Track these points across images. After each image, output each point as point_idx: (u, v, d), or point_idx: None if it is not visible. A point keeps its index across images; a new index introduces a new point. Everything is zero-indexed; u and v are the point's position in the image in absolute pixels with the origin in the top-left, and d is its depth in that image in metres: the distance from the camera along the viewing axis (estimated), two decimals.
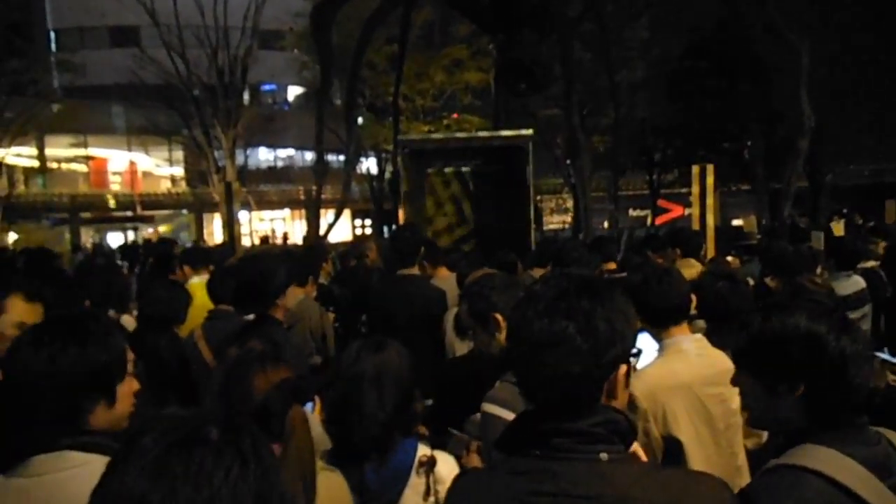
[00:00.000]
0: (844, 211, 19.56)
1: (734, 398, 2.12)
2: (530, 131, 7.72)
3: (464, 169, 7.26)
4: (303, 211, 30.97)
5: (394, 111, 12.46)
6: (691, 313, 2.28)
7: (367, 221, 25.57)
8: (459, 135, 12.59)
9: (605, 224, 20.26)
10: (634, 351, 1.10)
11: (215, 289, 3.28)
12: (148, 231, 28.20)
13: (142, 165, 31.02)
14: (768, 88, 16.85)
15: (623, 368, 1.06)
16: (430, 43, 19.63)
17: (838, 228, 9.14)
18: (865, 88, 17.45)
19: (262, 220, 31.13)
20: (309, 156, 30.10)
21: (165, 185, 31.16)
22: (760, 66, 16.61)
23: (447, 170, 7.27)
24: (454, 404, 2.08)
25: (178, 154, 29.84)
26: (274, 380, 1.42)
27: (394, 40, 13.89)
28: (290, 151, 33.77)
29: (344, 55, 13.62)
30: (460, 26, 18.86)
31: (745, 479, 2.01)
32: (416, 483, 1.59)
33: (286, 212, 32.27)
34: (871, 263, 4.18)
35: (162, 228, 28.70)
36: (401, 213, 7.85)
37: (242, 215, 21.11)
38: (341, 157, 16.08)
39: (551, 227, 24.94)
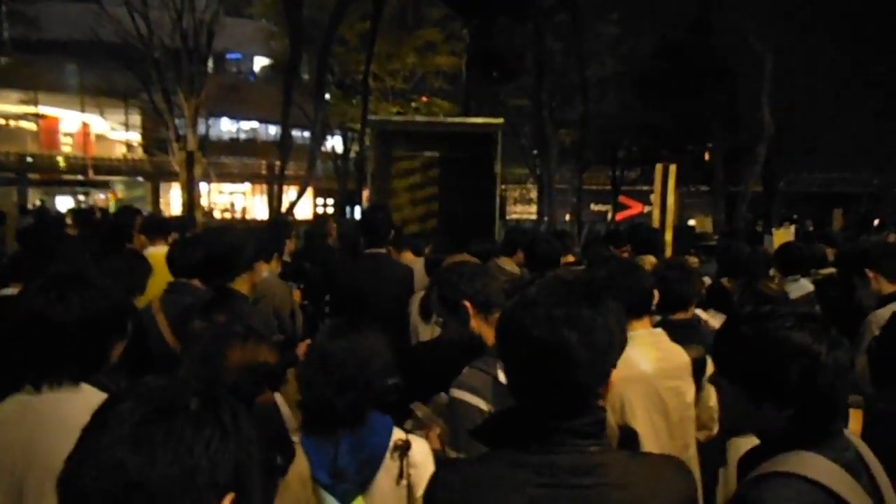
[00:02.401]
0: (795, 217, 20.30)
1: (689, 392, 2.21)
2: (500, 120, 7.72)
3: (432, 154, 7.23)
4: (264, 186, 30.35)
5: (363, 90, 12.26)
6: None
7: (330, 200, 25.21)
8: (430, 119, 12.48)
9: (567, 217, 20.54)
10: None
11: (176, 260, 3.19)
12: (100, 197, 27.21)
13: (95, 128, 29.75)
14: (733, 94, 17.28)
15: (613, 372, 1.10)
16: (402, 24, 19.36)
17: (781, 235, 9.24)
18: (823, 98, 18.06)
19: (221, 192, 30.44)
20: (273, 129, 29.45)
21: (120, 150, 30.04)
22: (727, 72, 17.00)
23: (415, 153, 7.23)
24: (420, 389, 2.09)
25: (136, 119, 28.76)
26: (251, 357, 1.40)
27: (367, 17, 13.65)
28: (254, 124, 32.98)
29: (314, 28, 13.34)
30: (433, 9, 18.67)
31: (694, 469, 2.09)
32: (389, 466, 1.59)
33: (247, 186, 31.62)
34: (830, 270, 4.30)
35: (120, 194, 27.73)
36: (365, 194, 7.79)
37: (202, 187, 20.54)
38: (306, 134, 15.78)
39: (514, 216, 25.15)
